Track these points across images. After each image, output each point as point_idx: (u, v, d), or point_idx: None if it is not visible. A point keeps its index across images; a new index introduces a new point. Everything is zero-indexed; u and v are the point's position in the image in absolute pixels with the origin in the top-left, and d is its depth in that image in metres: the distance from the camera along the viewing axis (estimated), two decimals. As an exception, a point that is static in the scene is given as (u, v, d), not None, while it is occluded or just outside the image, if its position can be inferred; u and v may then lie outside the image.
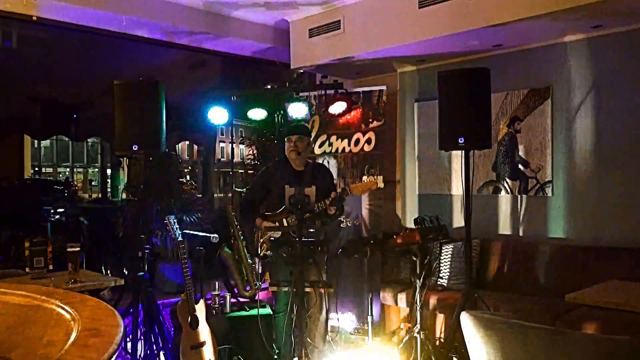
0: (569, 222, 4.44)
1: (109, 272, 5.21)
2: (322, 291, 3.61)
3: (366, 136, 4.92)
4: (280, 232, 3.75)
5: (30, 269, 3.64)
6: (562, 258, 4.24)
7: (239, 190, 5.25)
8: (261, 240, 3.86)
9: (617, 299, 3.01)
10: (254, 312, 4.12)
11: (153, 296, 3.76)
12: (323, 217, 3.78)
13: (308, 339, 3.66)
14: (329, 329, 4.07)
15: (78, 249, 3.44)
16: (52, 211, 7.20)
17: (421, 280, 3.61)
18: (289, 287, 3.40)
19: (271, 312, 4.15)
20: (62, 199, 8.68)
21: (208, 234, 4.12)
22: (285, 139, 3.92)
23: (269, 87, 5.54)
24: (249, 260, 4.27)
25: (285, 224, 3.74)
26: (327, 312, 3.86)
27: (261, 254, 3.90)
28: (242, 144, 6.74)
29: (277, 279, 3.71)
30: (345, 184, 4.98)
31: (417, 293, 3.60)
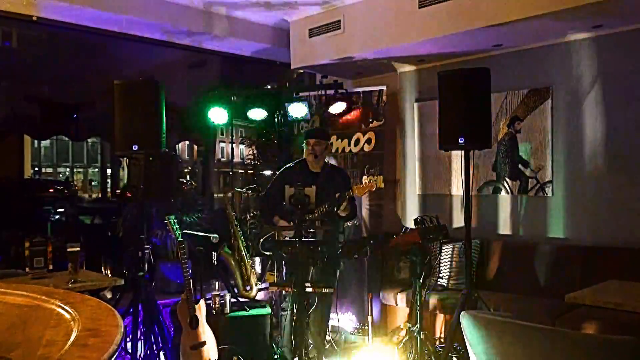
0: (569, 222, 4.44)
1: (109, 272, 5.21)
2: (323, 291, 3.61)
3: (366, 136, 4.92)
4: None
5: (30, 269, 3.63)
6: (562, 258, 4.24)
7: (239, 190, 5.25)
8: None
9: (617, 299, 3.01)
10: (254, 312, 4.13)
11: (153, 296, 3.76)
12: (330, 218, 3.80)
13: (309, 339, 3.67)
14: (329, 328, 4.07)
15: (78, 249, 3.43)
16: (52, 211, 7.20)
17: (421, 280, 3.61)
18: (290, 287, 3.41)
19: (271, 312, 4.16)
20: (62, 198, 8.67)
21: (208, 234, 4.12)
22: (305, 142, 3.97)
23: (269, 87, 5.55)
24: (249, 260, 4.27)
25: None
26: (326, 311, 3.86)
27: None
28: (242, 144, 6.73)
29: (282, 278, 3.74)
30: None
31: (417, 293, 3.60)
